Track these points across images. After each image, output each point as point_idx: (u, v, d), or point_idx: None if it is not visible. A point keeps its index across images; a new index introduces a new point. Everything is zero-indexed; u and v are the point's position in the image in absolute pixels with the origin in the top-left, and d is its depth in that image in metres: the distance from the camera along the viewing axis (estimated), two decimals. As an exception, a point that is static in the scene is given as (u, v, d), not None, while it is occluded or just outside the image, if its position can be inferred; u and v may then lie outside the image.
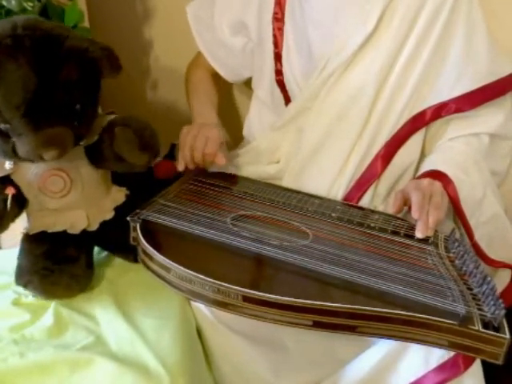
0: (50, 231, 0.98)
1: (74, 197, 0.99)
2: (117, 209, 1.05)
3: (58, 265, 0.98)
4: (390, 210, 1.15)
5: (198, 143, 1.18)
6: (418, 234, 1.07)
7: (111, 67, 0.94)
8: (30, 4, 1.16)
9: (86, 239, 1.02)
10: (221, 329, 1.04)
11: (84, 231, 1.01)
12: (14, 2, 1.15)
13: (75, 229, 0.99)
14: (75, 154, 0.98)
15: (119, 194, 1.07)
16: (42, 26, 0.89)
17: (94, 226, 1.02)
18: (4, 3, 1.16)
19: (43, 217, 0.99)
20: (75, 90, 0.90)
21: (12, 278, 1.03)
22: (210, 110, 1.35)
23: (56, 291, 0.98)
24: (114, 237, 1.04)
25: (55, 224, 0.98)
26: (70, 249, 1.00)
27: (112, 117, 1.03)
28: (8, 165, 0.94)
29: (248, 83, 1.46)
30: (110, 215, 1.04)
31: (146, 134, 1.00)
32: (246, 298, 0.87)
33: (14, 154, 0.90)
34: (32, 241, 1.00)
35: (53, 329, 0.93)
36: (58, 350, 0.89)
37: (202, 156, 1.18)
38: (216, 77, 1.46)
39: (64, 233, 0.99)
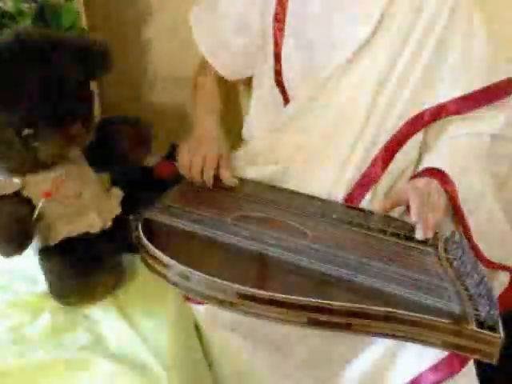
0: (72, 235, 1.02)
1: (86, 199, 1.03)
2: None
3: (91, 265, 1.02)
4: (377, 207, 1.19)
5: (195, 164, 1.24)
6: (418, 236, 1.11)
7: (108, 63, 1.00)
8: (27, 5, 1.21)
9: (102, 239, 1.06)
10: (219, 328, 1.08)
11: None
12: (10, 4, 1.19)
13: (94, 228, 1.03)
14: (77, 156, 1.03)
15: (116, 190, 1.11)
16: (41, 32, 0.96)
17: (108, 224, 1.05)
18: (0, 5, 1.20)
19: (60, 225, 1.02)
20: (84, 87, 0.97)
21: (12, 278, 1.07)
22: (212, 121, 1.38)
23: (97, 291, 1.02)
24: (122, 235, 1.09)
25: (73, 230, 1.02)
26: (96, 248, 1.04)
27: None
28: (16, 179, 0.97)
29: (248, 83, 1.50)
30: (118, 210, 1.08)
31: (144, 129, 1.10)
32: (241, 295, 0.92)
33: (32, 161, 0.95)
34: (55, 252, 1.02)
35: (51, 329, 0.97)
36: (57, 350, 0.93)
37: (201, 175, 1.24)
38: (222, 80, 1.49)
39: (82, 238, 1.03)
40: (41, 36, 0.95)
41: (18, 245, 0.94)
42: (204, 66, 1.48)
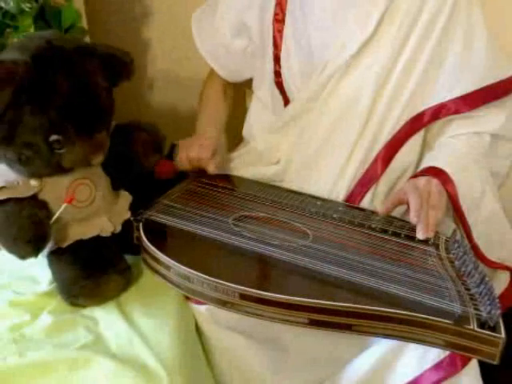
0: (84, 238, 1.02)
1: (98, 203, 1.03)
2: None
3: (101, 267, 1.02)
4: (379, 210, 1.19)
5: (192, 154, 1.29)
6: (419, 236, 1.11)
7: (131, 71, 1.03)
8: (28, 5, 1.21)
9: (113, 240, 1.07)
10: (220, 327, 1.08)
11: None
12: (12, 4, 1.20)
13: (106, 232, 1.04)
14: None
15: (125, 193, 1.12)
16: (71, 39, 1.00)
17: (118, 228, 1.06)
18: (2, 4, 1.21)
19: (72, 228, 1.02)
20: (108, 95, 0.98)
21: (11, 277, 1.08)
22: (212, 131, 1.41)
23: (107, 292, 1.03)
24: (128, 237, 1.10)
25: (85, 233, 1.02)
26: (106, 250, 1.04)
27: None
28: (33, 182, 0.97)
29: (248, 84, 1.50)
30: (127, 214, 1.09)
31: (160, 135, 1.12)
32: (243, 296, 0.92)
33: (54, 167, 0.95)
34: (66, 254, 1.02)
35: (52, 328, 0.97)
36: (57, 350, 0.93)
37: (196, 162, 1.29)
38: (228, 87, 1.51)
39: (94, 239, 1.03)
40: (71, 42, 0.96)
41: (35, 248, 0.94)
42: (212, 72, 1.50)
